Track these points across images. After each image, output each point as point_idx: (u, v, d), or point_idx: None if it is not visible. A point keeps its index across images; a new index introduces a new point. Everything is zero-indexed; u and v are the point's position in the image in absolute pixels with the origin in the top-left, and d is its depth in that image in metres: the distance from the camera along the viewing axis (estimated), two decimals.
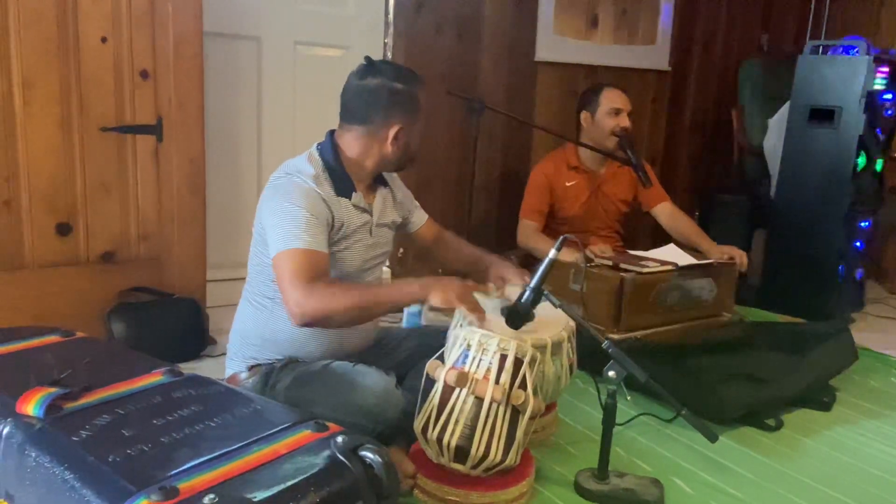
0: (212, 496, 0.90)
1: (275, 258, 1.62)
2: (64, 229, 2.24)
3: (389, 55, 3.18)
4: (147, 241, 2.38)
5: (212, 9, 2.51)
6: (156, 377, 1.29)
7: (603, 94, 2.83)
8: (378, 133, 1.74)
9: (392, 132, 1.73)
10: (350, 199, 1.75)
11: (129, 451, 1.03)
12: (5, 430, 1.11)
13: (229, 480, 0.97)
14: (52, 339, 1.45)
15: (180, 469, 0.98)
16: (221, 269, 2.70)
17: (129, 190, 2.32)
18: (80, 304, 2.26)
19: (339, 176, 1.73)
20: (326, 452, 1.06)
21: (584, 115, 2.88)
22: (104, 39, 2.19)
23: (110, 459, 1.00)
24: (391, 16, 3.15)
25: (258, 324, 1.81)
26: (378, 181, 1.87)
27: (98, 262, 2.31)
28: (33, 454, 1.05)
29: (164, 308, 2.38)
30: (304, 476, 1.00)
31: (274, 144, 2.98)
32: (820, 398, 2.25)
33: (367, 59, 1.76)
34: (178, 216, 2.41)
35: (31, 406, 1.12)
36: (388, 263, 3.38)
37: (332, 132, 1.80)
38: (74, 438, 1.06)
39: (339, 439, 1.08)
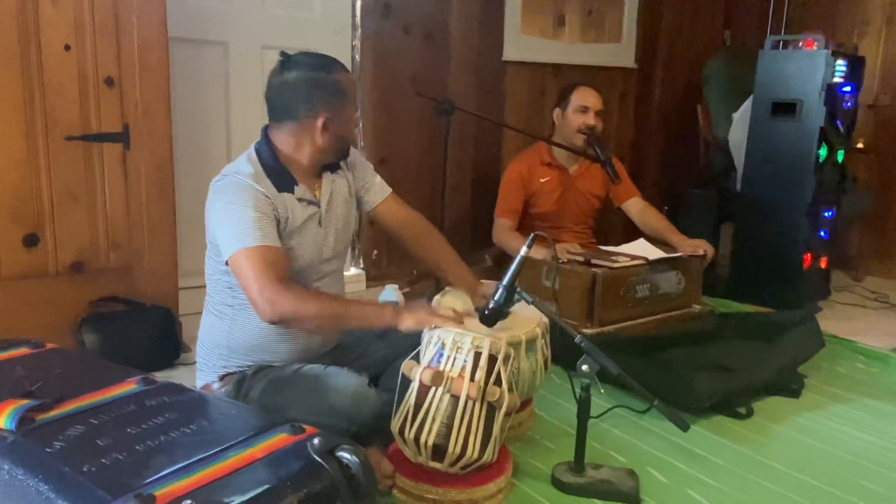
0: (188, 502, 0.90)
1: (231, 259, 1.61)
2: (31, 241, 2.21)
3: (357, 58, 3.19)
4: (117, 250, 2.36)
5: (178, 14, 2.49)
6: (129, 386, 1.28)
7: (574, 92, 2.88)
8: (306, 126, 1.72)
9: (319, 123, 1.71)
10: (293, 194, 1.73)
11: (103, 461, 1.02)
12: None
13: (206, 486, 0.97)
14: (22, 351, 1.43)
15: (156, 476, 0.98)
16: (193, 277, 2.66)
17: (97, 199, 2.30)
18: (50, 315, 2.24)
19: (278, 172, 1.72)
20: (303, 454, 1.06)
21: (556, 112, 2.92)
22: (67, 47, 2.17)
23: (85, 469, 1.00)
24: (358, 18, 3.16)
25: (222, 333, 1.80)
26: (327, 167, 1.84)
27: (67, 272, 2.28)
28: (6, 467, 1.04)
29: (136, 317, 2.35)
30: (281, 478, 1.01)
31: (243, 150, 2.94)
32: (789, 385, 2.30)
33: (283, 53, 1.74)
34: (147, 224, 2.39)
35: (3, 419, 1.11)
36: (361, 265, 3.39)
37: (266, 128, 1.79)
38: (48, 450, 1.05)
39: (316, 441, 1.09)
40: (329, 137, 1.74)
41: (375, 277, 3.39)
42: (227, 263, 1.64)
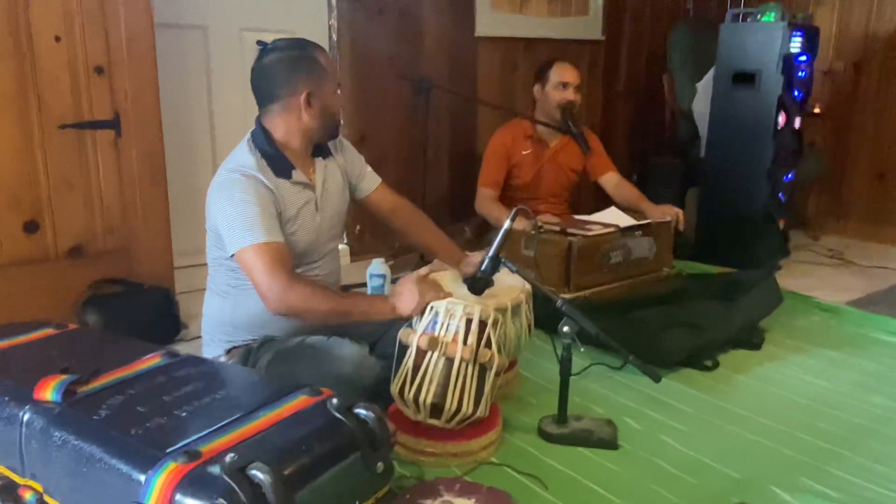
0: (232, 455, 1.03)
1: (237, 255, 1.69)
2: (31, 227, 2.29)
3: (334, 37, 3.26)
4: (113, 233, 2.45)
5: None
6: (155, 359, 1.40)
7: (553, 69, 2.99)
8: (290, 104, 1.79)
9: (302, 97, 1.78)
10: (290, 179, 1.81)
11: (147, 425, 1.15)
12: (25, 417, 1.22)
13: (244, 441, 1.10)
14: (49, 331, 1.54)
15: (199, 435, 1.11)
16: (186, 256, 2.77)
17: (91, 185, 2.38)
18: (51, 299, 2.32)
19: (276, 158, 1.79)
20: (325, 412, 1.20)
21: (536, 89, 3.04)
22: (58, 38, 2.23)
23: (133, 432, 1.12)
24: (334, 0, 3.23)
25: (225, 311, 1.90)
26: (318, 153, 1.92)
27: (66, 257, 2.37)
28: (57, 434, 1.16)
29: (134, 298, 2.45)
30: (309, 434, 1.14)
31: (226, 131, 3.04)
32: (751, 339, 2.48)
33: (260, 42, 1.84)
34: (141, 208, 2.48)
35: (49, 392, 1.22)
36: (345, 240, 3.50)
37: (258, 117, 1.86)
38: (95, 418, 1.17)
39: (335, 400, 1.22)
40: (315, 112, 1.81)
41: (359, 252, 3.50)
42: (232, 257, 1.72)
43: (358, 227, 3.50)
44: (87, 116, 2.32)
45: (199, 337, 2.07)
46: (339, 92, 1.89)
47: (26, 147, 2.23)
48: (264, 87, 1.82)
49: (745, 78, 3.28)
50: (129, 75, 2.37)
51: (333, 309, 1.72)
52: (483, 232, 3.15)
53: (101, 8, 2.28)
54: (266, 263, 1.66)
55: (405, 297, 1.73)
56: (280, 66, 1.79)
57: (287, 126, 1.82)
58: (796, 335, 2.62)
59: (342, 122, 3.30)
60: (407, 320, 1.77)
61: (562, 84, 2.96)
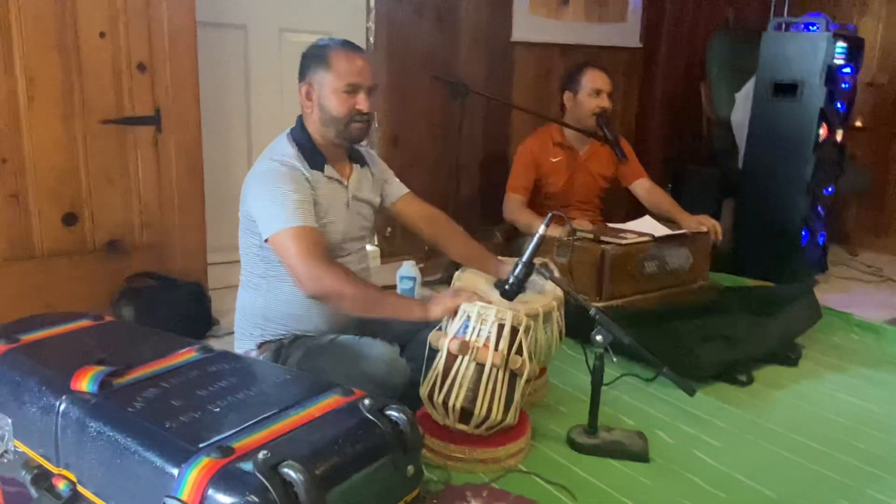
0: (265, 452, 1.03)
1: (272, 238, 1.72)
2: (70, 219, 2.32)
3: (371, 40, 3.27)
4: (150, 228, 2.48)
5: None
6: (190, 354, 1.41)
7: (585, 75, 2.95)
8: (301, 99, 1.85)
9: (303, 92, 1.84)
10: (323, 172, 1.85)
11: (182, 419, 1.15)
12: (62, 407, 1.23)
13: (276, 439, 1.10)
14: (85, 322, 1.56)
15: (232, 431, 1.11)
16: (219, 252, 2.79)
17: (130, 180, 2.41)
18: (87, 291, 2.36)
19: (310, 151, 1.84)
20: (357, 413, 1.19)
21: (566, 95, 3.00)
22: (102, 34, 2.27)
23: (167, 426, 1.13)
24: (372, 1, 3.24)
25: (257, 304, 1.93)
26: (354, 159, 1.96)
27: (103, 250, 2.40)
28: (93, 425, 1.17)
29: (168, 292, 2.47)
30: (341, 434, 1.13)
31: (263, 130, 3.06)
32: (787, 355, 2.44)
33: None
34: (178, 203, 2.51)
35: (85, 383, 1.23)
36: (376, 242, 3.51)
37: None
38: (130, 410, 1.18)
39: (367, 401, 1.21)
40: (316, 106, 1.82)
41: (389, 254, 3.50)
42: (266, 241, 1.75)
43: (389, 229, 3.50)
44: (129, 112, 2.36)
45: (231, 333, 2.08)
46: (359, 96, 1.81)
47: (69, 141, 2.27)
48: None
49: (787, 89, 3.22)
50: (171, 72, 2.40)
51: (367, 296, 1.73)
52: (513, 237, 3.14)
53: (146, 6, 2.32)
54: (301, 246, 1.69)
55: (437, 302, 1.73)
56: (303, 60, 1.86)
57: (307, 120, 1.87)
58: (834, 352, 2.57)
59: (377, 125, 3.32)
60: (435, 325, 1.77)
61: (595, 91, 2.93)
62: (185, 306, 2.48)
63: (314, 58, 1.83)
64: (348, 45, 1.85)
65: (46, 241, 2.30)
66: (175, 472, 1.04)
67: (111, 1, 2.27)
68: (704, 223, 2.82)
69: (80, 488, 1.20)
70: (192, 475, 1.02)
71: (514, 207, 3.00)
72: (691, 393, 1.80)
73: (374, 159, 2.07)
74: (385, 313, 1.77)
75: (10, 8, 2.12)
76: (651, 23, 4.23)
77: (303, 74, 1.84)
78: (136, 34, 2.32)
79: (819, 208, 3.38)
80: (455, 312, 1.71)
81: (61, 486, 1.22)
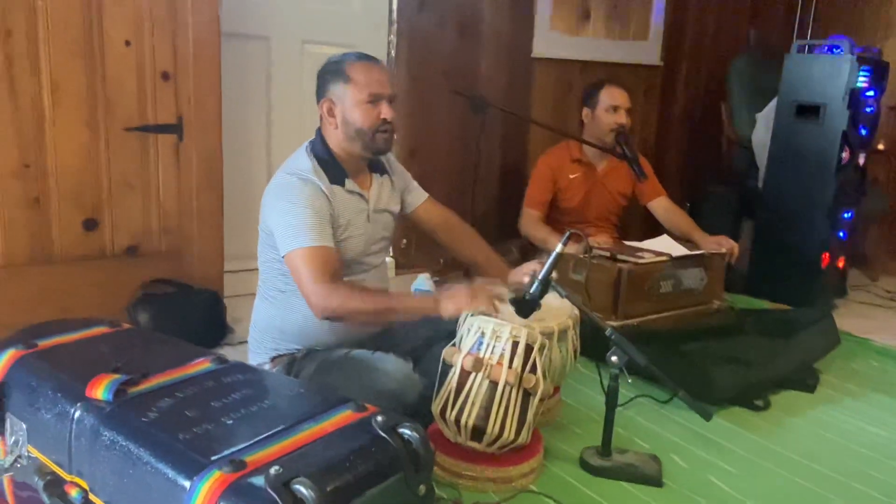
0: (276, 468, 1.03)
1: (287, 256, 1.73)
2: (90, 224, 2.35)
3: (393, 53, 3.29)
4: (168, 235, 2.50)
5: (223, 9, 2.60)
6: (205, 364, 1.41)
7: (603, 91, 2.96)
8: (322, 116, 1.86)
9: (325, 108, 1.84)
10: (343, 186, 1.85)
11: (195, 430, 1.15)
12: (76, 414, 1.23)
13: (289, 454, 1.09)
14: (102, 329, 1.56)
15: (244, 445, 1.11)
16: (236, 261, 2.81)
17: (151, 186, 2.43)
18: (105, 295, 2.37)
19: (330, 165, 1.84)
20: (369, 430, 1.19)
21: (585, 112, 3.01)
22: (128, 43, 2.29)
23: (180, 437, 1.13)
24: (395, 14, 3.25)
25: (273, 316, 1.93)
26: (374, 168, 1.96)
27: (122, 255, 2.42)
28: (106, 434, 1.17)
29: (184, 299, 2.49)
30: (353, 451, 1.13)
31: (283, 141, 3.08)
32: (805, 380, 2.40)
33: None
34: (197, 211, 2.52)
35: (101, 391, 1.24)
36: (391, 253, 3.51)
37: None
38: (144, 419, 1.18)
39: (380, 418, 1.21)
40: (338, 122, 1.82)
41: (404, 266, 3.50)
42: (283, 257, 1.76)
43: (404, 241, 3.50)
44: (152, 120, 2.38)
45: (245, 342, 2.09)
46: (382, 105, 1.82)
47: (92, 147, 2.30)
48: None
49: (809, 111, 3.19)
50: (194, 82, 2.42)
51: (375, 308, 1.74)
52: (529, 252, 3.12)
53: (171, 15, 2.34)
54: (312, 267, 1.69)
55: (454, 297, 1.71)
56: (319, 76, 1.86)
57: (328, 135, 1.87)
58: (852, 379, 2.53)
59: (395, 136, 3.32)
60: (449, 338, 1.76)
61: (613, 107, 2.93)
62: (201, 314, 2.49)
63: (332, 73, 1.83)
64: (364, 57, 1.85)
65: (66, 246, 2.32)
66: (187, 484, 1.04)
67: (137, 10, 2.29)
68: (723, 244, 2.80)
69: (91, 497, 1.20)
70: (203, 489, 1.02)
71: (531, 222, 2.99)
72: (707, 417, 1.78)
73: (393, 166, 2.07)
74: (399, 317, 1.81)
75: (38, 15, 2.15)
76: (672, 41, 4.22)
77: (322, 91, 1.85)
78: (160, 43, 2.35)
79: (840, 232, 3.34)
80: (478, 304, 1.69)
81: (73, 493, 1.22)
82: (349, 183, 1.86)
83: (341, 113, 1.82)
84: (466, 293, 1.71)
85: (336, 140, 1.86)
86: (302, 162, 1.83)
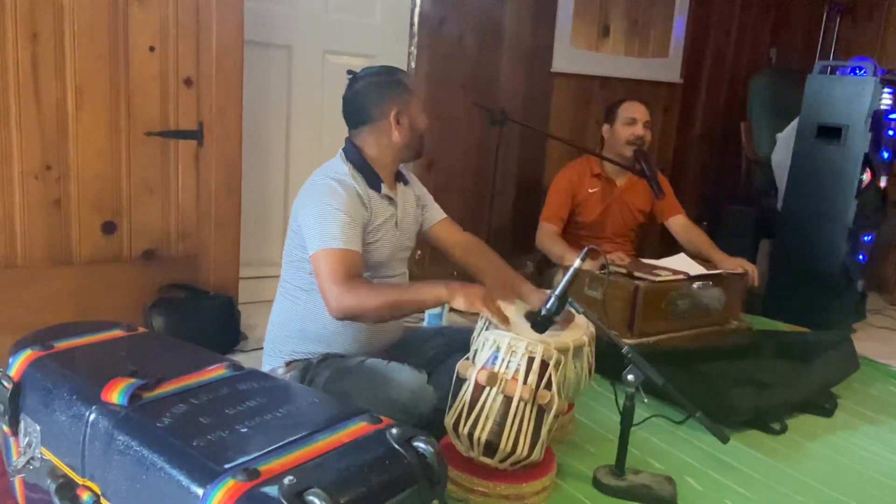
0: (290, 478, 1.02)
1: (313, 256, 1.75)
2: (109, 228, 2.36)
3: (413, 65, 3.30)
4: (186, 240, 2.50)
5: (246, 17, 2.62)
6: (220, 370, 1.40)
7: (622, 107, 2.97)
8: (381, 124, 1.88)
9: (392, 116, 1.87)
10: (379, 192, 1.89)
11: (209, 437, 1.15)
12: (91, 417, 1.23)
13: (303, 464, 1.08)
14: (118, 332, 1.57)
15: (259, 453, 1.10)
16: (251, 267, 2.82)
17: (170, 191, 2.44)
18: (121, 299, 2.38)
19: (367, 171, 1.88)
20: (384, 442, 1.18)
21: (605, 128, 3.02)
22: (152, 49, 2.31)
23: (194, 444, 1.12)
24: (416, 26, 3.27)
25: (294, 317, 1.93)
26: (399, 178, 2.00)
27: (139, 259, 2.43)
28: (121, 438, 1.17)
29: (200, 304, 2.49)
30: (367, 463, 1.12)
31: (301, 150, 3.10)
32: (822, 404, 2.36)
33: (349, 71, 1.95)
34: (215, 217, 2.53)
35: (116, 395, 1.24)
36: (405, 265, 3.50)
37: (349, 137, 1.94)
38: (159, 425, 1.18)
39: (395, 431, 1.20)
40: (404, 129, 1.89)
41: (418, 277, 3.48)
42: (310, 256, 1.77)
43: (419, 253, 3.50)
44: (173, 125, 2.40)
45: (258, 349, 2.08)
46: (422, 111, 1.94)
47: (113, 151, 2.31)
48: (357, 109, 1.91)
49: (831, 132, 3.17)
50: (216, 88, 2.44)
51: (387, 301, 1.73)
52: (544, 267, 3.11)
53: (196, 22, 2.36)
54: (335, 268, 1.70)
55: (465, 291, 1.67)
56: (371, 90, 1.89)
57: (379, 144, 1.90)
58: (871, 405, 2.49)
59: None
60: (464, 344, 1.74)
61: (630, 120, 2.93)
62: (215, 319, 2.50)
63: (395, 84, 1.89)
64: (405, 72, 1.97)
65: (85, 249, 2.33)
66: (200, 492, 1.03)
67: (163, 16, 2.31)
68: (743, 266, 2.77)
69: (103, 501, 1.20)
70: (216, 496, 1.01)
71: (547, 237, 2.97)
72: (725, 440, 1.75)
73: (414, 180, 2.11)
74: (412, 309, 1.81)
75: (65, 18, 2.17)
76: (693, 59, 4.20)
77: (381, 102, 1.87)
78: (184, 50, 2.37)
79: (859, 255, 3.30)
80: (488, 309, 1.67)
81: (85, 497, 1.22)
82: (384, 188, 1.90)
83: (408, 120, 1.89)
84: (481, 295, 1.69)
85: (387, 147, 1.90)
86: (339, 167, 1.87)
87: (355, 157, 1.90)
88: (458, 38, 3.37)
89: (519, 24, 3.53)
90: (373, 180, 1.89)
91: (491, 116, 2.80)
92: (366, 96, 1.89)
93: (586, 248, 1.80)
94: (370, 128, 1.89)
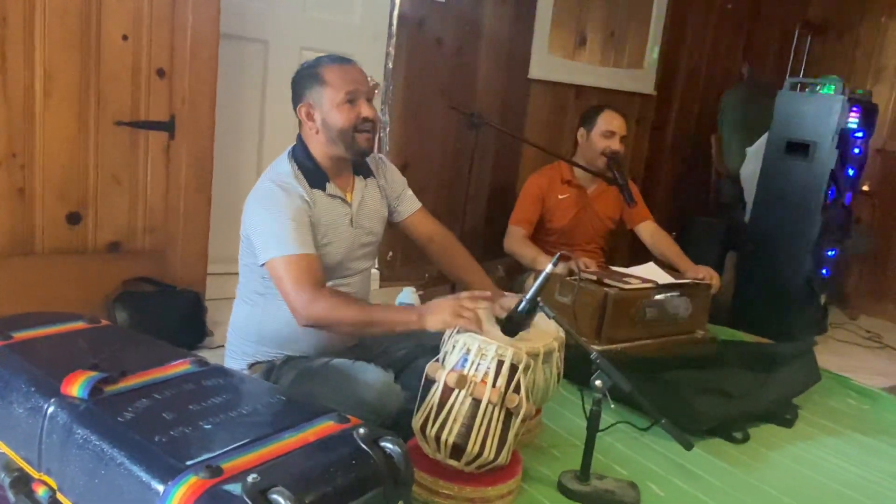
0: (254, 476, 1.00)
1: (268, 264, 1.70)
2: (74, 218, 2.31)
3: (390, 65, 3.29)
4: (152, 233, 2.46)
5: (223, 10, 2.58)
6: (185, 365, 1.38)
7: (601, 116, 2.97)
8: (301, 120, 1.84)
9: (303, 113, 1.82)
10: (324, 191, 1.83)
11: (172, 433, 1.12)
12: (49, 410, 1.20)
13: (267, 462, 1.07)
14: (80, 325, 1.53)
15: (222, 451, 1.08)
16: (220, 263, 2.77)
17: (138, 183, 2.40)
18: (85, 291, 2.33)
19: (311, 169, 1.82)
20: (351, 442, 1.16)
21: (580, 132, 3.02)
22: (125, 37, 2.27)
23: (156, 440, 1.10)
24: (395, 27, 3.26)
25: (252, 320, 1.90)
26: (358, 172, 1.93)
27: (104, 251, 2.38)
28: (80, 432, 1.14)
29: (165, 299, 2.45)
30: (333, 462, 1.11)
31: (275, 147, 3.03)
32: (784, 415, 2.40)
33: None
34: (183, 211, 2.49)
35: (76, 388, 1.21)
36: (376, 265, 3.49)
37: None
38: (119, 419, 1.15)
39: (362, 430, 1.19)
40: (318, 125, 1.80)
41: (389, 278, 3.49)
42: (262, 265, 1.73)
43: (390, 254, 3.49)
44: (144, 116, 2.36)
45: (223, 346, 2.05)
46: (361, 102, 1.79)
47: (80, 139, 2.27)
48: (293, 104, 1.86)
49: (799, 148, 3.23)
50: (190, 81, 2.40)
51: (358, 318, 1.70)
52: (515, 272, 3.12)
53: (171, 12, 2.33)
54: (294, 275, 1.67)
55: (437, 312, 1.66)
56: (295, 83, 1.85)
57: (312, 141, 1.85)
58: (830, 416, 2.53)
59: (388, 148, 3.32)
60: (433, 351, 1.74)
61: (609, 132, 2.94)
62: (181, 314, 2.46)
63: (307, 77, 1.82)
64: (338, 59, 1.84)
65: (48, 239, 2.28)
66: (161, 488, 1.01)
67: (137, 4, 2.27)
68: (706, 274, 2.81)
69: (59, 496, 1.17)
70: (177, 494, 0.99)
71: (517, 240, 2.98)
72: (688, 447, 1.77)
73: (388, 172, 2.04)
74: (382, 330, 1.74)
75: (36, 2, 2.12)
76: (666, 71, 4.26)
77: (299, 96, 1.83)
78: (158, 40, 2.33)
79: (823, 269, 3.37)
80: (462, 322, 1.65)
81: (41, 492, 1.19)
82: (330, 187, 1.84)
83: (320, 116, 1.80)
84: (451, 308, 1.68)
85: (318, 144, 1.84)
86: (282, 167, 1.82)
87: (301, 153, 1.84)
88: (437, 41, 3.37)
89: (498, 30, 3.54)
90: (316, 179, 1.82)
91: (468, 119, 2.80)
92: (292, 90, 1.85)
93: (558, 254, 1.82)
94: (298, 124, 1.86)
